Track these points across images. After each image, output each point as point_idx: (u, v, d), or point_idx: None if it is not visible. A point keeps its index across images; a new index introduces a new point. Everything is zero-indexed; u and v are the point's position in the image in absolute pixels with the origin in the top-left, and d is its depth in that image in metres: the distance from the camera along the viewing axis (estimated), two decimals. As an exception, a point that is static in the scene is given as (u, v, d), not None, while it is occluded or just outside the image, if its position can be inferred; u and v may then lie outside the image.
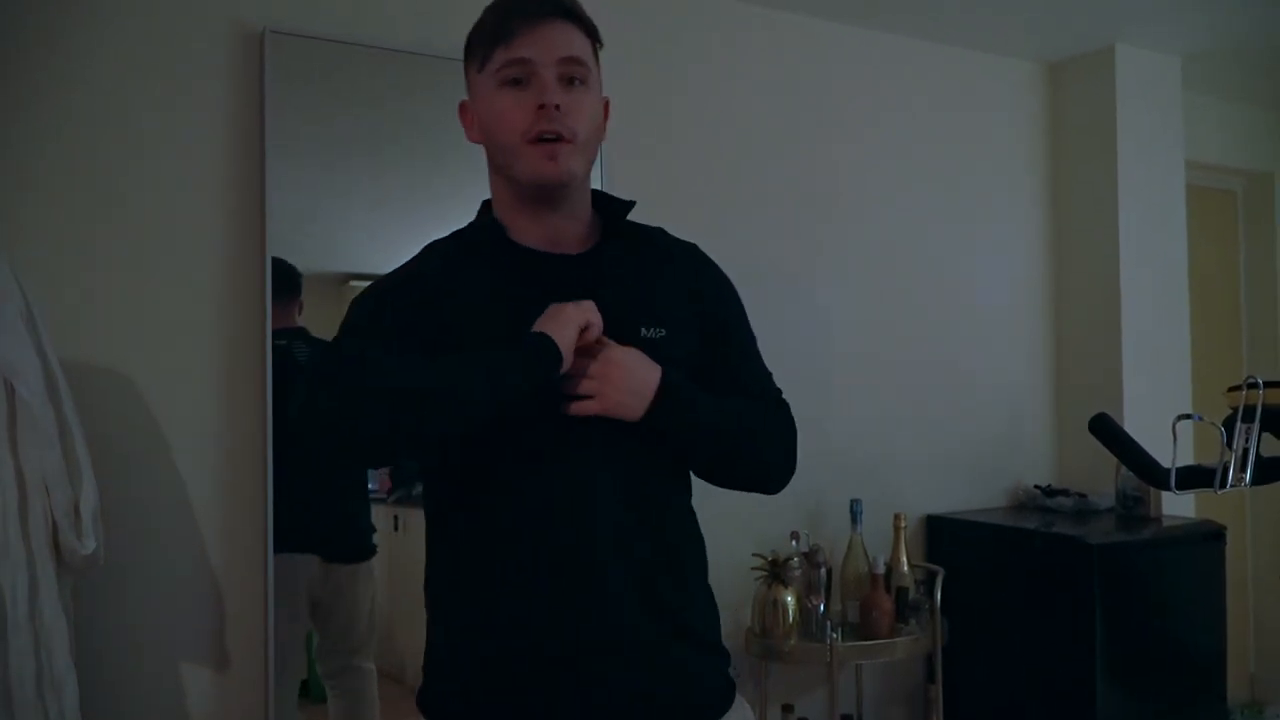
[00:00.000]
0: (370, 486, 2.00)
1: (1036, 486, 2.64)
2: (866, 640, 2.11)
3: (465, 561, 1.02)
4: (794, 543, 2.15)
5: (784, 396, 1.13)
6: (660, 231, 1.14)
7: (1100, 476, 2.53)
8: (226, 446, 1.77)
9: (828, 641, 2.04)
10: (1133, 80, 2.66)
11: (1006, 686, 2.36)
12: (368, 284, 1.90)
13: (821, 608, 2.12)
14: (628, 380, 0.97)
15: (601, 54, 1.07)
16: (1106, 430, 1.85)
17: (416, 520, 2.01)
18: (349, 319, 1.03)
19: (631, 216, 1.11)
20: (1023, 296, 2.74)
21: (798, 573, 2.10)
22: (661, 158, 2.21)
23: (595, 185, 1.12)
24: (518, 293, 0.98)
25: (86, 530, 1.35)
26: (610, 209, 1.09)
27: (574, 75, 1.00)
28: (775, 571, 2.07)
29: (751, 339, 1.14)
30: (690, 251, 1.14)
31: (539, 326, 0.95)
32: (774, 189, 2.36)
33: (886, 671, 2.43)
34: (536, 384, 0.94)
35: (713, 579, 1.10)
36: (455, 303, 1.00)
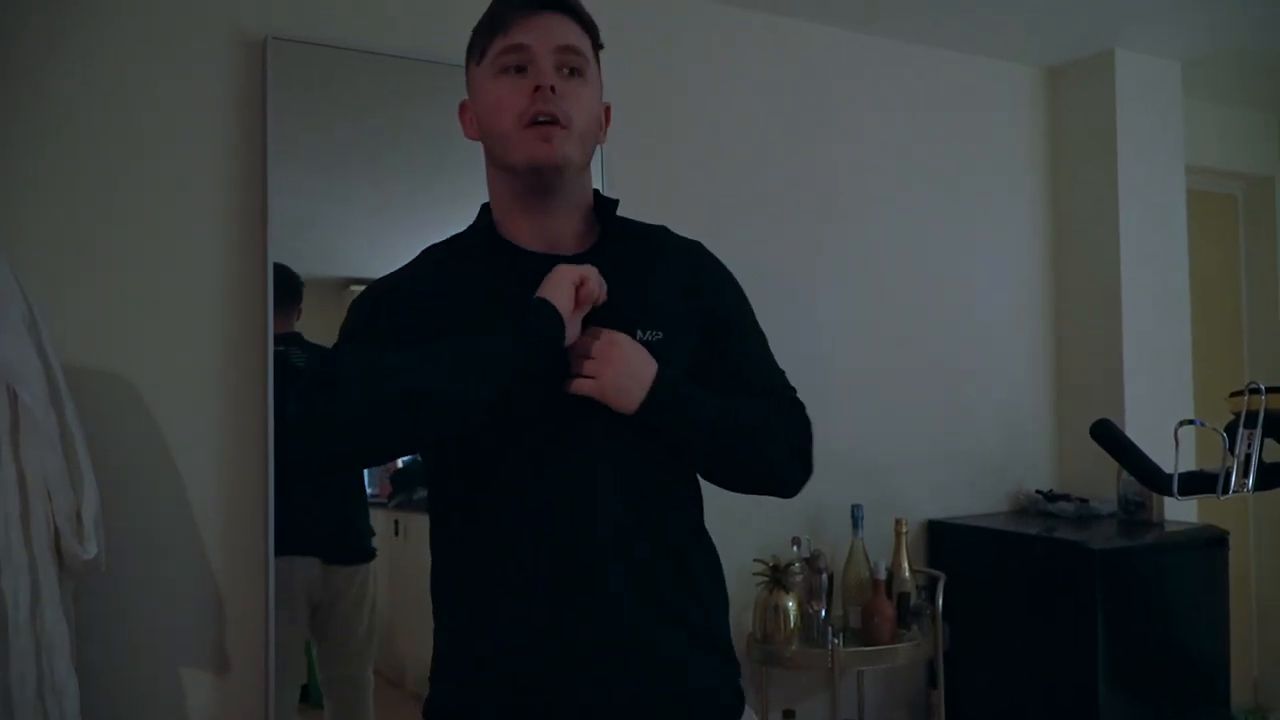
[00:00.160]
0: (370, 491, 2.00)
1: (1038, 491, 2.64)
2: (868, 646, 2.10)
3: (465, 562, 1.02)
4: (795, 548, 2.15)
5: (798, 395, 1.10)
6: (662, 230, 1.13)
7: (1102, 481, 2.53)
8: (228, 451, 1.77)
9: (829, 647, 2.03)
10: (1132, 84, 2.67)
11: (1008, 692, 2.35)
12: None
13: (823, 613, 2.12)
14: (627, 363, 0.96)
15: (602, 55, 1.07)
16: (1108, 436, 1.85)
17: (417, 525, 2.02)
18: (346, 323, 1.04)
19: (636, 217, 1.11)
20: (1023, 301, 2.74)
21: (799, 578, 2.10)
22: (662, 159, 2.22)
23: (595, 187, 1.12)
24: (513, 293, 0.98)
25: (88, 535, 1.35)
26: (605, 209, 1.09)
27: (572, 65, 1.01)
28: (776, 577, 2.07)
29: (758, 336, 1.12)
30: (691, 248, 1.12)
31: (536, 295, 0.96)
32: (774, 193, 2.36)
33: (888, 677, 2.43)
34: (541, 350, 0.94)
35: (714, 583, 1.09)
36: (450, 305, 1.00)
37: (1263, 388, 1.64)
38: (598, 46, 1.06)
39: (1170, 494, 1.74)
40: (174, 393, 1.74)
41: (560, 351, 0.96)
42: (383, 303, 1.04)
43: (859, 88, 2.50)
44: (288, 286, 1.82)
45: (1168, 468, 1.75)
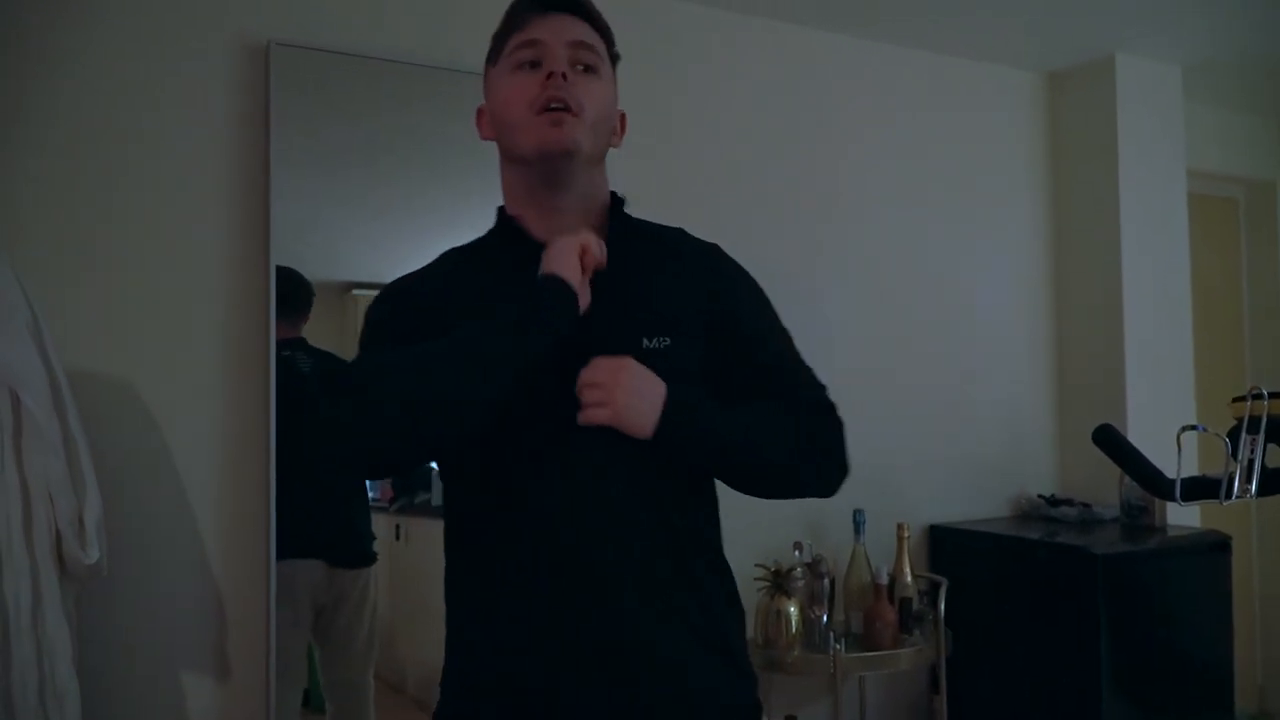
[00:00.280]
0: (371, 495, 2.00)
1: (1040, 496, 2.63)
2: (870, 651, 2.10)
3: (468, 564, 1.02)
4: (797, 553, 2.15)
5: (827, 394, 1.07)
6: (679, 232, 1.12)
7: (1104, 486, 2.53)
8: (229, 455, 1.77)
9: (831, 652, 2.03)
10: (1133, 89, 2.67)
11: (1011, 698, 2.34)
12: (369, 292, 1.90)
13: (824, 618, 2.11)
14: (637, 386, 0.94)
15: None
16: (1110, 441, 1.85)
17: (419, 529, 2.02)
18: (364, 329, 1.04)
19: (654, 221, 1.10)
20: (1025, 305, 2.74)
21: (801, 583, 2.10)
22: (662, 163, 2.22)
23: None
24: (519, 293, 0.97)
25: (90, 540, 1.36)
26: (613, 206, 1.09)
27: (585, 61, 1.02)
28: (778, 582, 2.07)
29: (781, 336, 1.09)
30: (707, 250, 1.11)
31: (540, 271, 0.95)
32: (775, 197, 2.36)
33: (890, 683, 2.42)
34: (559, 322, 0.93)
35: (715, 589, 1.09)
36: (457, 306, 1.00)
37: (1265, 393, 1.64)
38: (613, 53, 1.07)
39: (1173, 499, 1.74)
40: (175, 396, 1.74)
41: (575, 324, 0.95)
42: (395, 304, 1.04)
43: (860, 93, 2.51)
44: (300, 293, 1.84)
45: (1170, 473, 1.74)
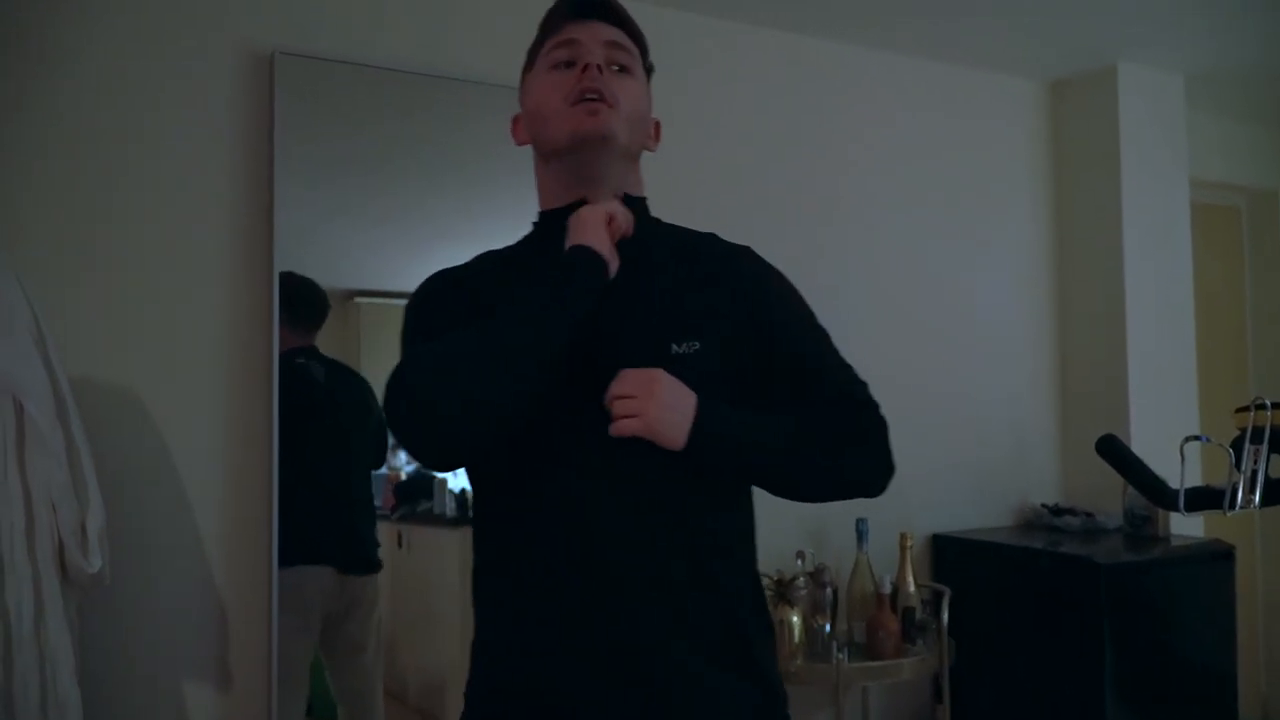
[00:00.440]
0: (374, 503, 2.00)
1: (1043, 505, 2.63)
2: (873, 661, 2.09)
3: (497, 567, 1.01)
4: (799, 562, 2.14)
5: (869, 391, 1.06)
6: (710, 237, 1.11)
7: (1107, 495, 2.52)
8: (232, 463, 1.77)
9: (834, 662, 2.02)
10: (1136, 98, 2.67)
11: (1014, 708, 2.34)
12: (372, 300, 1.89)
13: (827, 628, 2.11)
14: (669, 396, 0.93)
15: None
16: (1114, 452, 1.84)
17: (421, 538, 2.02)
18: (406, 322, 1.03)
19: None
20: (1027, 314, 2.74)
21: (803, 592, 2.09)
22: (665, 169, 2.20)
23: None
24: (551, 269, 0.96)
25: (92, 548, 1.35)
26: (636, 206, 1.08)
27: (620, 61, 1.03)
28: (781, 591, 2.06)
29: (817, 335, 1.07)
30: (738, 252, 1.10)
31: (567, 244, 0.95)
32: (777, 205, 2.36)
33: (893, 692, 2.41)
34: (590, 290, 0.93)
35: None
36: (496, 296, 0.99)
37: (1269, 403, 1.64)
38: (648, 63, 1.07)
39: (1176, 510, 1.73)
40: (178, 404, 1.74)
41: (599, 296, 0.95)
42: (437, 296, 1.04)
43: (863, 101, 2.51)
44: (317, 303, 1.85)
45: (1174, 482, 1.74)
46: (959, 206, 2.63)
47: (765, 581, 2.07)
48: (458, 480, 2.03)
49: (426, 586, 2.02)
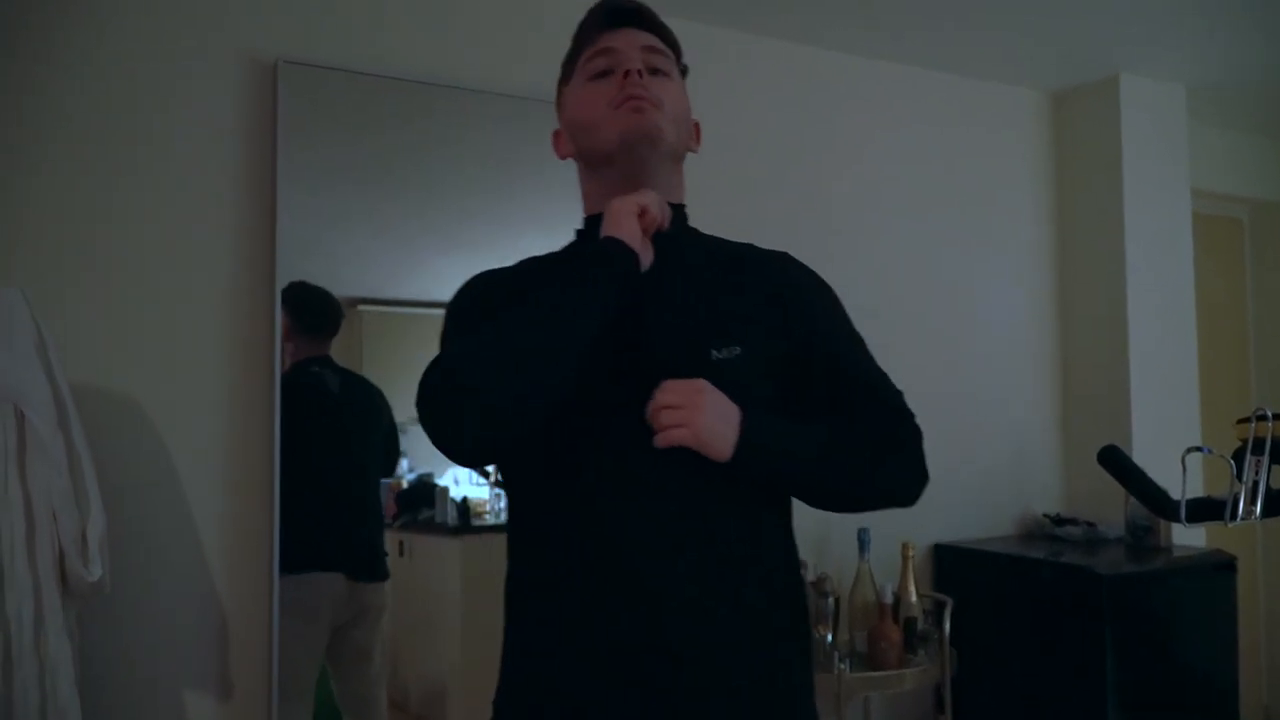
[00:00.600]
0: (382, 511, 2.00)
1: (1045, 515, 2.63)
2: (875, 671, 2.08)
3: (529, 573, 1.00)
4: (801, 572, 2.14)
5: (904, 400, 1.05)
6: (747, 246, 1.11)
7: (1109, 505, 2.52)
8: (234, 471, 1.77)
9: (836, 672, 2.02)
10: (1137, 109, 2.68)
11: (1016, 718, 2.33)
12: (374, 308, 1.89)
13: (829, 638, 2.10)
14: (717, 407, 0.92)
15: None
16: (1116, 463, 1.84)
17: (423, 546, 2.02)
18: (446, 321, 1.03)
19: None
20: (1030, 324, 2.74)
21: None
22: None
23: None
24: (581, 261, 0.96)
25: (93, 557, 1.35)
26: (683, 218, 1.07)
27: (657, 65, 1.03)
28: (782, 600, 2.06)
29: (855, 343, 1.07)
30: (775, 258, 1.09)
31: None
32: (782, 212, 2.37)
33: (895, 702, 2.41)
34: (617, 278, 0.92)
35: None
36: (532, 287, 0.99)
37: (1270, 414, 1.64)
38: (682, 65, 1.08)
39: (1178, 521, 1.73)
40: (181, 413, 1.74)
41: (633, 280, 0.94)
42: (480, 294, 1.04)
43: (867, 111, 2.52)
44: (331, 313, 1.86)
45: (1175, 493, 1.74)
46: (961, 216, 2.63)
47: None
48: (459, 489, 2.03)
49: (428, 595, 2.02)
